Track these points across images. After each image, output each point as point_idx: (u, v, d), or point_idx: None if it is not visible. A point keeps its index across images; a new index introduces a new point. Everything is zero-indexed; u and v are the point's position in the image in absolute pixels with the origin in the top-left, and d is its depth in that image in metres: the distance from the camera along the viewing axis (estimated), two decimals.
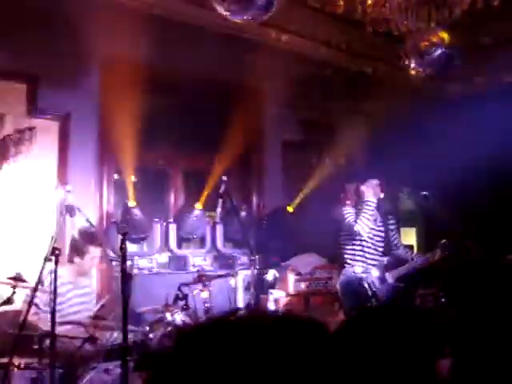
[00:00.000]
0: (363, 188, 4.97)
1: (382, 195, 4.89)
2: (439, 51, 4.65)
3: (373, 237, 4.86)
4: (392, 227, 5.03)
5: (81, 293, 4.27)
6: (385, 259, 4.88)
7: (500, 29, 6.71)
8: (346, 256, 4.94)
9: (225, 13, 3.32)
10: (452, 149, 8.05)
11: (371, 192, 4.91)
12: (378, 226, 4.95)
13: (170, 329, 3.92)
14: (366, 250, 4.82)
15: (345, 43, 6.86)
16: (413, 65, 4.81)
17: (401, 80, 7.21)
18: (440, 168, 7.98)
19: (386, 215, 5.00)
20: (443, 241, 4.63)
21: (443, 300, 2.29)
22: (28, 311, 3.23)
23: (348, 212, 4.90)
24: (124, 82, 5.50)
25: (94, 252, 4.26)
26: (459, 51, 4.74)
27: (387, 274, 4.74)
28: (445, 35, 4.67)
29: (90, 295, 4.39)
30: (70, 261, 4.21)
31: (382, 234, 4.93)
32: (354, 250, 4.87)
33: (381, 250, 4.91)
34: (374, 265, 4.78)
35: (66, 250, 4.32)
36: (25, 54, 4.82)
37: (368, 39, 5.94)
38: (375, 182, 4.94)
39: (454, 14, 3.79)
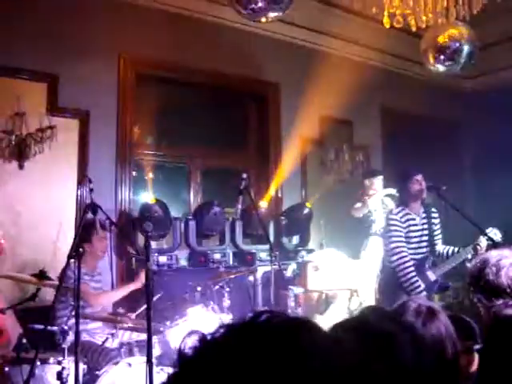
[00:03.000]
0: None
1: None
2: (458, 46, 4.61)
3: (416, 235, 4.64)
4: (436, 221, 4.85)
5: (96, 286, 4.31)
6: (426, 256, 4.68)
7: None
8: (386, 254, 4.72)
9: (244, 13, 3.32)
10: (470, 145, 8.04)
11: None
12: (422, 224, 4.68)
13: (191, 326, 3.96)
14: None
15: (362, 38, 6.86)
16: (431, 60, 4.78)
17: (418, 76, 7.22)
18: (457, 163, 7.97)
19: (430, 209, 4.75)
20: (489, 231, 4.39)
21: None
22: (53, 307, 3.27)
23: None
24: (143, 79, 5.55)
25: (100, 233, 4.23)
26: (478, 47, 4.70)
27: (429, 272, 4.58)
28: (463, 30, 4.64)
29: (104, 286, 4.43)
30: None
31: (426, 232, 4.68)
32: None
33: (424, 245, 4.66)
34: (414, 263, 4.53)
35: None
36: (45, 53, 4.89)
37: (384, 34, 5.90)
38: (420, 176, 4.60)
39: (473, 8, 3.76)
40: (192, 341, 0.75)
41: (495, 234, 4.41)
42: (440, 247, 4.75)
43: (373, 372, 0.75)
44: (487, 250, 4.23)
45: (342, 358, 0.72)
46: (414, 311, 1.83)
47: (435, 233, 4.75)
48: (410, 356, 1.33)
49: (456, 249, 4.67)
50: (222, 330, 0.74)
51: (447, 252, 4.71)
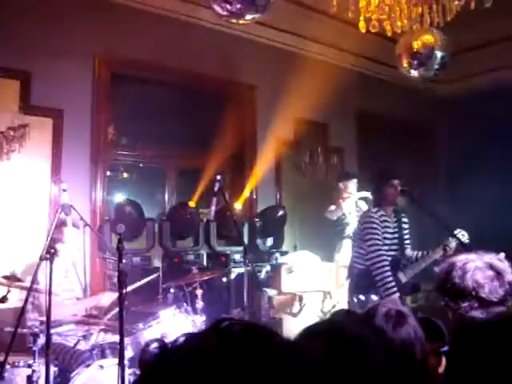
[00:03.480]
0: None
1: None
2: (431, 52, 4.68)
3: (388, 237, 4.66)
4: (406, 226, 4.92)
5: (69, 287, 4.27)
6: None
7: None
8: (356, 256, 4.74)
9: (223, 14, 3.33)
10: (443, 149, 8.16)
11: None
12: (393, 228, 4.72)
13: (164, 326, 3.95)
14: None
15: (338, 41, 6.91)
16: (405, 65, 4.85)
17: (393, 80, 7.29)
18: (430, 167, 8.08)
19: (400, 214, 4.79)
20: (456, 232, 4.48)
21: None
22: (23, 310, 3.23)
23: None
24: (118, 78, 5.51)
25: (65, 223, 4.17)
26: (450, 52, 4.78)
27: (401, 274, 4.61)
28: (437, 36, 4.71)
29: (76, 285, 4.39)
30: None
31: (396, 235, 4.71)
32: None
33: (394, 248, 4.69)
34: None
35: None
36: (18, 50, 4.81)
37: (360, 38, 5.96)
38: (396, 182, 4.62)
39: (447, 15, 3.81)
40: (153, 348, 0.76)
41: (463, 235, 4.48)
42: (409, 252, 4.81)
43: (333, 376, 0.76)
44: (456, 251, 4.34)
45: (302, 364, 0.72)
46: (384, 315, 1.86)
47: (405, 237, 4.82)
48: (382, 359, 1.35)
49: (425, 253, 4.74)
50: (182, 338, 0.75)
51: (416, 256, 4.78)
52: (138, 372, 0.78)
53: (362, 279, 4.59)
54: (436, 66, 4.77)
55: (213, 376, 0.67)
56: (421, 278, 4.73)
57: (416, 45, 4.58)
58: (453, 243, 4.46)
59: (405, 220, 4.83)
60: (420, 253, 4.77)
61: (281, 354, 0.72)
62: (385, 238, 4.59)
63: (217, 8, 3.38)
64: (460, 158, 7.57)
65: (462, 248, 4.14)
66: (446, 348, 2.11)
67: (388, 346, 1.67)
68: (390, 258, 4.56)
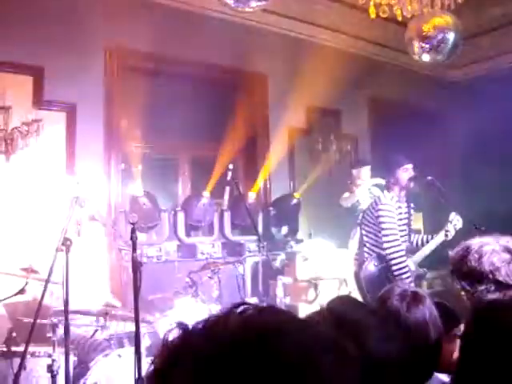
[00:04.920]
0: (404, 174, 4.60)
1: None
2: (442, 36, 4.62)
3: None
4: (412, 211, 4.83)
5: (88, 278, 4.33)
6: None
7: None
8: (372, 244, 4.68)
9: (229, 1, 3.33)
10: (456, 135, 8.09)
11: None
12: (405, 213, 4.69)
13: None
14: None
15: (349, 27, 6.87)
16: (416, 50, 4.79)
17: (405, 65, 7.24)
18: (443, 153, 8.02)
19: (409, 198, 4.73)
20: (451, 219, 4.52)
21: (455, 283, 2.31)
22: (42, 301, 3.28)
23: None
24: (128, 70, 5.53)
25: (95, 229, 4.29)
26: (463, 35, 4.72)
27: (409, 261, 4.57)
28: (448, 19, 4.65)
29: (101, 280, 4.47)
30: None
31: (406, 221, 4.68)
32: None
33: (405, 234, 4.66)
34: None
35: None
36: (29, 46, 4.85)
37: (370, 23, 5.92)
38: (409, 166, 4.62)
39: None
40: (175, 333, 0.77)
41: (458, 220, 4.53)
42: (412, 236, 4.81)
43: (347, 352, 0.76)
44: (456, 235, 4.42)
45: (316, 338, 0.73)
46: (399, 296, 1.86)
47: (411, 222, 4.80)
48: (378, 341, 1.35)
49: (425, 237, 4.76)
50: (201, 324, 0.76)
51: (416, 241, 4.79)
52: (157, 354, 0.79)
53: (376, 267, 4.56)
54: (448, 50, 4.72)
55: (235, 356, 0.68)
56: (425, 264, 4.72)
57: (427, 28, 4.53)
58: (451, 228, 4.50)
59: (412, 205, 4.80)
60: (419, 238, 4.78)
61: (289, 328, 0.73)
62: (398, 225, 4.58)
63: None
64: (473, 143, 7.50)
65: (478, 232, 4.12)
66: (461, 331, 2.11)
67: (385, 328, 1.67)
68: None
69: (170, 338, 0.76)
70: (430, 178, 4.59)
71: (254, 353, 0.68)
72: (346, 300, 1.69)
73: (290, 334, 0.72)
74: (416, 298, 1.86)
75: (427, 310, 1.85)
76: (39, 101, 4.91)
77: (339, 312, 1.39)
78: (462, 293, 2.31)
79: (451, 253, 2.36)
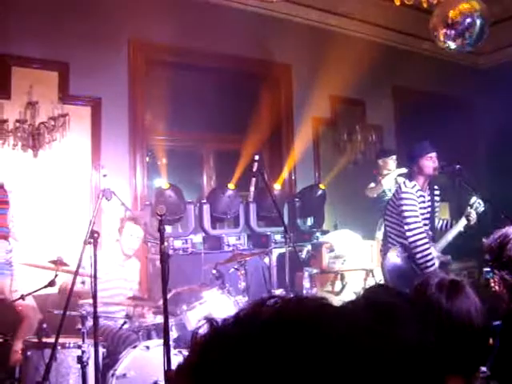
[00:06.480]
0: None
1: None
2: (468, 22, 4.54)
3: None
4: (437, 198, 4.74)
5: (125, 276, 4.38)
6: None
7: None
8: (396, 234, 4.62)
9: None
10: (483, 122, 7.96)
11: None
12: (428, 201, 4.62)
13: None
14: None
15: (373, 17, 6.80)
16: (441, 37, 4.71)
17: (430, 53, 7.14)
18: (470, 141, 7.90)
19: (433, 185, 4.68)
20: (473, 202, 4.49)
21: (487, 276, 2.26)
22: (71, 293, 3.32)
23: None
24: (153, 64, 5.55)
25: (136, 232, 4.37)
26: (490, 21, 4.63)
27: (432, 249, 4.51)
28: (475, 4, 4.56)
29: (134, 277, 4.53)
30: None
31: (429, 209, 4.60)
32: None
33: (427, 222, 4.59)
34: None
35: (103, 233, 4.43)
36: (55, 41, 4.91)
37: (394, 11, 5.86)
38: (433, 154, 4.54)
39: None
40: (204, 328, 0.75)
41: (479, 203, 4.49)
42: (436, 223, 4.76)
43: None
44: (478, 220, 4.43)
45: (355, 324, 0.72)
46: (437, 286, 1.78)
47: (436, 210, 4.73)
48: (413, 327, 1.33)
49: (445, 222, 4.73)
50: (232, 319, 0.75)
51: (441, 226, 4.77)
52: (185, 350, 0.78)
53: (402, 257, 4.51)
54: (474, 36, 4.63)
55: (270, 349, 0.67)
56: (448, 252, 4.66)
57: (453, 14, 4.45)
58: (473, 213, 4.46)
59: (436, 192, 4.73)
60: (443, 222, 4.74)
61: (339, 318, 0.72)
62: (421, 214, 4.52)
63: None
64: (500, 131, 7.36)
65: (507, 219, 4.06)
66: (497, 322, 2.07)
67: (441, 318, 1.61)
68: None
69: (200, 332, 0.75)
70: (458, 166, 4.51)
71: (290, 340, 0.67)
72: (382, 289, 1.65)
73: (327, 320, 0.70)
74: (456, 287, 1.79)
75: (469, 299, 1.78)
76: (65, 96, 4.97)
77: (376, 300, 1.37)
78: (492, 284, 2.26)
79: (486, 241, 2.30)
